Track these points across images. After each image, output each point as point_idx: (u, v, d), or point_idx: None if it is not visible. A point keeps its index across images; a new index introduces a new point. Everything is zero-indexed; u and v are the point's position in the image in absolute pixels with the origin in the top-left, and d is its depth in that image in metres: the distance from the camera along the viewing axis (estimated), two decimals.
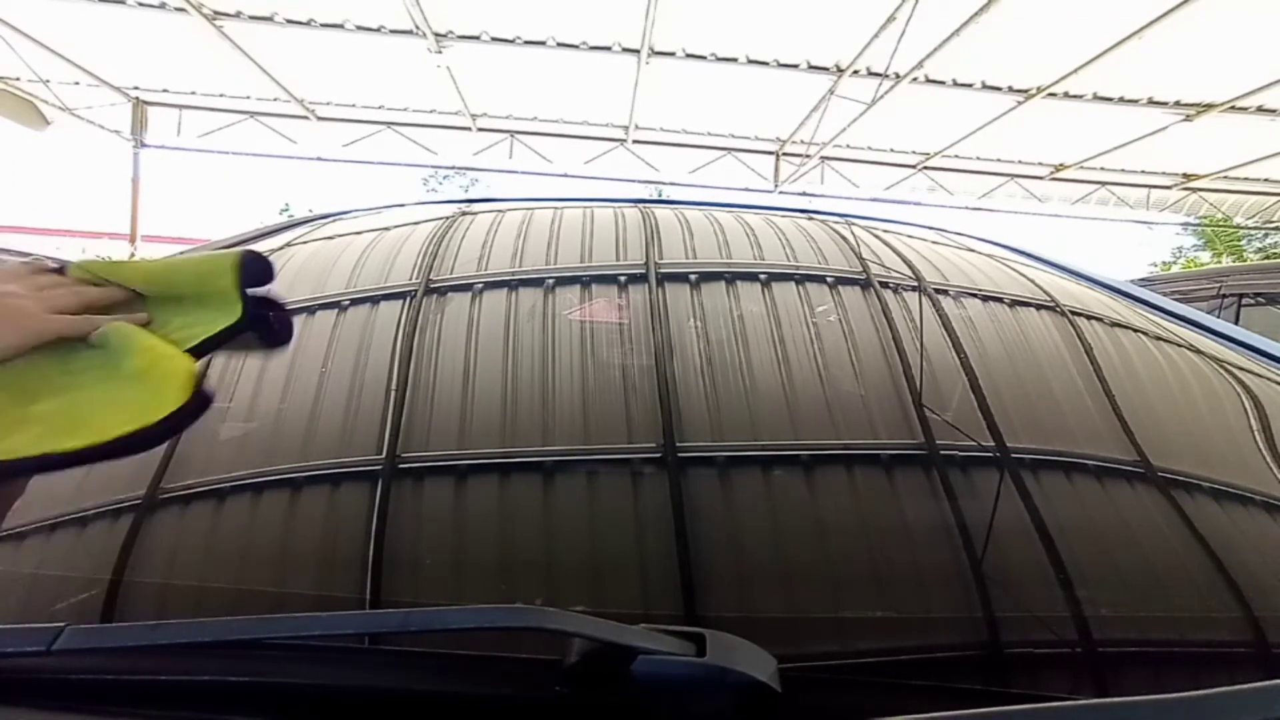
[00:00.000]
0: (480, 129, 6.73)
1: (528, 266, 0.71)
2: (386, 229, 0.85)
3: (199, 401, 0.38)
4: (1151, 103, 5.42)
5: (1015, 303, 0.71)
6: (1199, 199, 7.58)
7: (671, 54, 5.07)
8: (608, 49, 5.02)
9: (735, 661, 0.27)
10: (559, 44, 4.97)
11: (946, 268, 0.80)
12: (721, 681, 0.26)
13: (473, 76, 5.61)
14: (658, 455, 0.46)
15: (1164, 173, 7.11)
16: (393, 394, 0.52)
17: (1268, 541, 0.44)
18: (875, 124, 5.91)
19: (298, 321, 0.63)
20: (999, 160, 7.05)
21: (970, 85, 5.27)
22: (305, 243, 0.82)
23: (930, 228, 0.98)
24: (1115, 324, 0.69)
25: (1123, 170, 7.08)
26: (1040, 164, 7.04)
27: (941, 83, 5.21)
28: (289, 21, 4.78)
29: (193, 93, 6.36)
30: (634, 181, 7.08)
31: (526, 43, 4.98)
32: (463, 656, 0.31)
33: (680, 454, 0.46)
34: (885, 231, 0.89)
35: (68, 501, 0.43)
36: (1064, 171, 7.11)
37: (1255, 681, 0.28)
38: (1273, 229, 8.98)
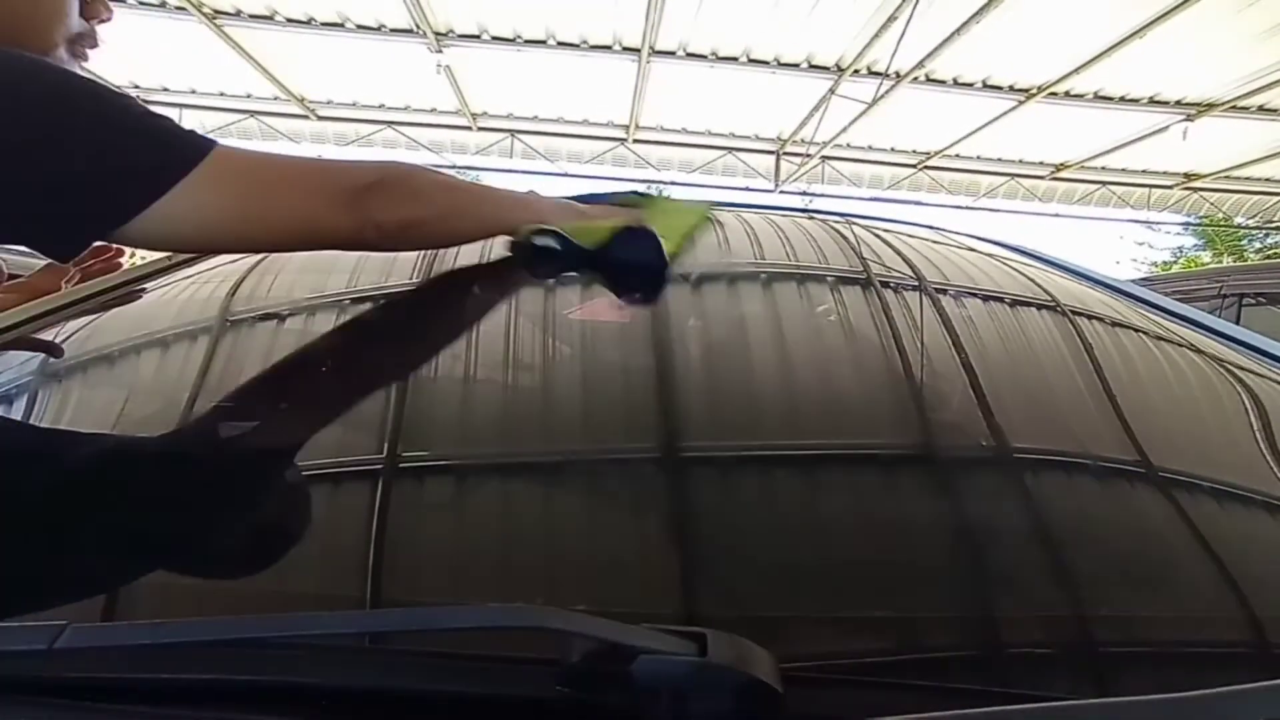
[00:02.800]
0: (481, 128, 6.73)
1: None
2: None
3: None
4: (1153, 102, 5.42)
5: (1016, 302, 0.71)
6: (1200, 199, 7.58)
7: (672, 53, 5.07)
8: (608, 48, 5.02)
9: (737, 661, 0.27)
10: (559, 43, 4.97)
11: (947, 267, 0.80)
12: (723, 681, 0.26)
13: (473, 76, 5.62)
14: (658, 455, 0.46)
15: (1165, 172, 7.11)
16: (393, 393, 0.52)
17: (1268, 541, 0.44)
18: (876, 123, 5.91)
19: (298, 321, 0.63)
20: (1000, 160, 7.05)
21: (971, 85, 5.27)
22: None
23: (931, 227, 0.98)
24: (1116, 324, 0.69)
25: (1124, 170, 7.08)
26: (1041, 164, 7.04)
27: (942, 82, 5.21)
28: (289, 21, 4.79)
29: (192, 91, 6.37)
30: (635, 181, 7.08)
31: (526, 42, 4.98)
32: (463, 656, 0.31)
33: (681, 453, 0.46)
34: (885, 231, 0.89)
35: (70, 499, 0.43)
36: (1065, 171, 7.11)
37: (1256, 681, 0.28)
38: (1273, 229, 8.98)
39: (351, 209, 0.54)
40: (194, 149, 0.50)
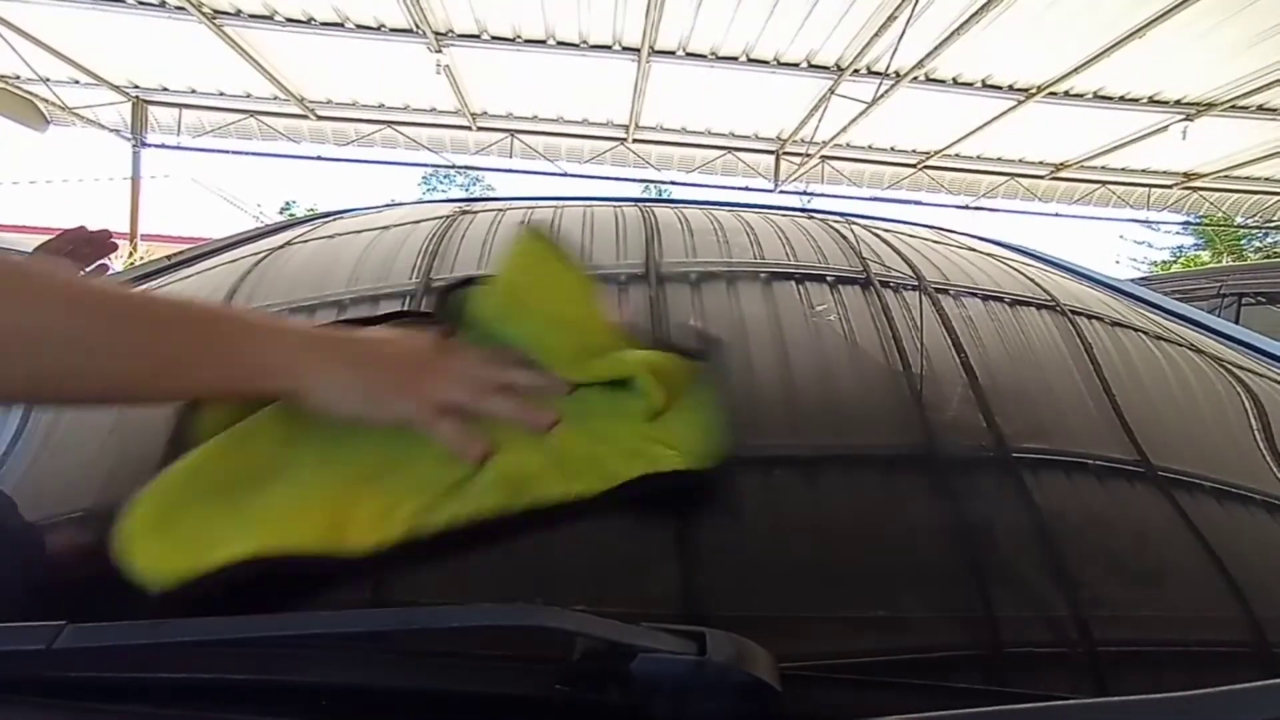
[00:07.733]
0: (480, 128, 6.72)
1: None
2: (386, 228, 0.85)
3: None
4: (1152, 102, 5.41)
5: (1015, 302, 0.71)
6: (1200, 198, 7.57)
7: (672, 53, 5.06)
8: (608, 48, 5.01)
9: (736, 660, 0.27)
10: (559, 42, 4.97)
11: (947, 267, 0.80)
12: (722, 680, 0.26)
13: (472, 75, 5.61)
14: None
15: (1165, 172, 7.10)
16: None
17: (1268, 541, 0.44)
18: (876, 123, 5.91)
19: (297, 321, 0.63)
20: (1000, 160, 7.04)
21: (971, 84, 5.26)
22: (305, 242, 0.82)
23: (930, 227, 0.98)
24: (1115, 323, 0.69)
25: (1124, 170, 7.07)
26: (1041, 163, 7.03)
27: (942, 82, 5.21)
28: (288, 21, 4.78)
29: (192, 91, 6.35)
30: (634, 181, 7.08)
31: (526, 41, 4.97)
32: (463, 655, 0.31)
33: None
34: (885, 231, 0.89)
35: (69, 499, 0.43)
36: (1065, 171, 7.11)
37: (1255, 681, 0.28)
38: (1273, 228, 8.98)
39: None
40: None
